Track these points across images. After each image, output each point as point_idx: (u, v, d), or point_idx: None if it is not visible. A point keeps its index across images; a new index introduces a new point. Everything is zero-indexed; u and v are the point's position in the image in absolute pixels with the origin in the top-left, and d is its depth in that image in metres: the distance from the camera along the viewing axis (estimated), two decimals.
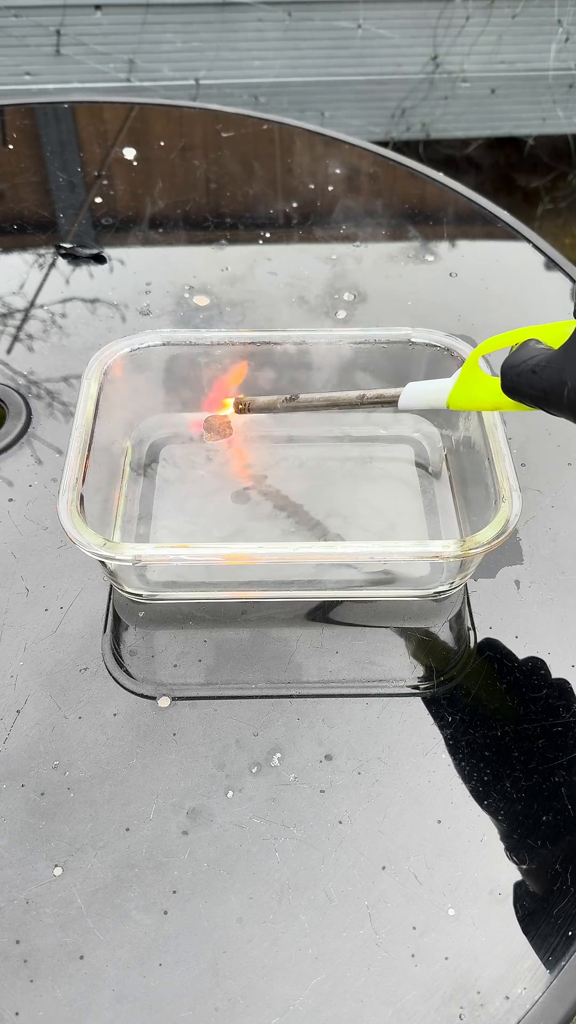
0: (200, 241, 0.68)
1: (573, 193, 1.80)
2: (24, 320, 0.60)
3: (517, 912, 0.36)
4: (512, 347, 0.36)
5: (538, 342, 0.35)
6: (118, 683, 0.42)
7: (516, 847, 0.37)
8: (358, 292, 0.63)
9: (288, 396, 0.46)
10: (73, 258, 0.65)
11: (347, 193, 0.73)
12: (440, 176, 0.75)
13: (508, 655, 0.43)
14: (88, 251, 0.66)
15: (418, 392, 0.42)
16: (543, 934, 0.35)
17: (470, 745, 0.40)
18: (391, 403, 0.43)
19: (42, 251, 0.66)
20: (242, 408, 0.48)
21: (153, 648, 0.43)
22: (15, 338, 0.59)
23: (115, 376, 0.48)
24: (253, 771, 0.39)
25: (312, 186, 0.73)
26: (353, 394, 0.44)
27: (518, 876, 0.36)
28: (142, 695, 0.41)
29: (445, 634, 0.44)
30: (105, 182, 0.73)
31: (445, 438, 0.51)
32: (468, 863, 0.37)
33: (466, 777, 0.39)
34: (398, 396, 0.43)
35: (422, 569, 0.45)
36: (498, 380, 0.36)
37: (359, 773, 0.39)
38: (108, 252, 0.66)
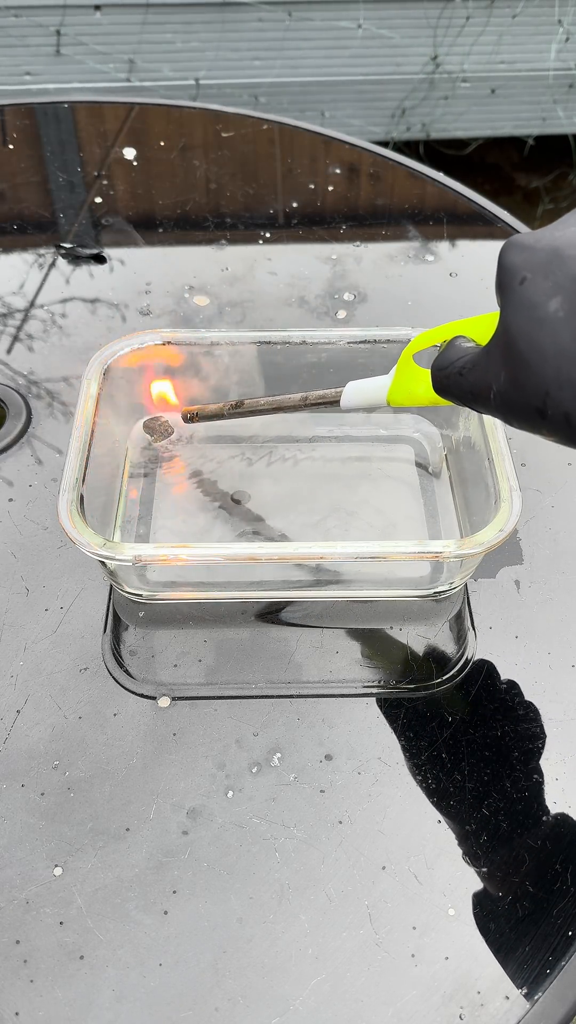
0: (200, 241, 0.68)
1: (573, 193, 1.80)
2: (24, 320, 0.60)
3: (517, 912, 0.36)
4: (440, 345, 0.36)
5: (466, 339, 0.34)
6: (118, 683, 0.42)
7: (516, 847, 0.37)
8: (358, 292, 0.63)
9: (234, 402, 0.47)
10: (73, 258, 0.65)
11: (347, 193, 0.73)
12: (440, 176, 0.75)
13: (508, 655, 0.43)
14: (88, 251, 0.66)
15: (358, 390, 0.42)
16: (543, 934, 0.35)
17: (470, 745, 0.40)
18: (334, 403, 0.43)
19: (42, 251, 0.66)
20: (191, 417, 0.48)
21: (153, 648, 0.43)
22: (15, 338, 0.59)
23: (115, 376, 0.48)
24: (253, 771, 0.39)
25: (312, 186, 0.73)
26: (296, 396, 0.45)
27: (518, 876, 0.36)
28: (142, 695, 0.41)
29: (445, 634, 0.44)
30: (105, 182, 0.73)
31: (445, 438, 0.51)
32: (468, 863, 0.37)
33: (466, 777, 0.39)
34: (340, 395, 0.43)
35: (422, 569, 0.45)
36: None
37: (359, 773, 0.39)
38: (108, 252, 0.66)
